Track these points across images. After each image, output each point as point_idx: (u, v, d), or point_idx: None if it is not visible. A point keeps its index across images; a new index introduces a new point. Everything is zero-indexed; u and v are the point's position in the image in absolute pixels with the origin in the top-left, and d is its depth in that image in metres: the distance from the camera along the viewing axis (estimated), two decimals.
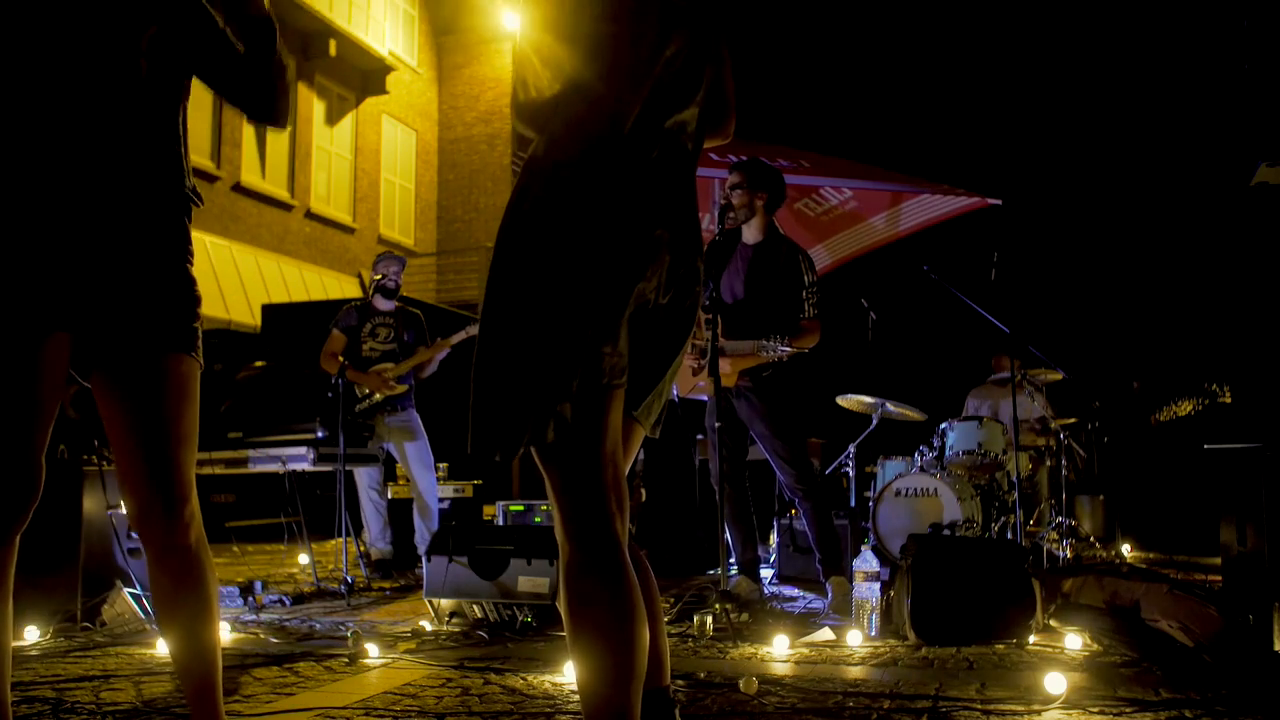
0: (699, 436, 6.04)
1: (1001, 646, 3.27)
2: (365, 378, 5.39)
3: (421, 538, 5.45)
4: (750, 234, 4.34)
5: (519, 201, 1.70)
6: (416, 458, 5.48)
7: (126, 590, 3.76)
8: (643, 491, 6.51)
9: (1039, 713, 2.41)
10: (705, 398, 4.41)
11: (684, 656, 3.15)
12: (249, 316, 12.77)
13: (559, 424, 1.60)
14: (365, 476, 5.51)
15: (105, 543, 3.79)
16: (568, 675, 2.78)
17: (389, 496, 5.73)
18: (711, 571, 5.27)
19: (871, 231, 6.72)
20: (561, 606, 1.65)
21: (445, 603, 3.76)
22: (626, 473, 1.78)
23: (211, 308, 12.98)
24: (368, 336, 5.54)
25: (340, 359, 5.18)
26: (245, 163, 14.31)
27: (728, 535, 4.34)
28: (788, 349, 4.06)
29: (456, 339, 5.51)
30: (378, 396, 5.42)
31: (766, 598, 4.46)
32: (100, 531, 3.77)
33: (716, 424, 4.28)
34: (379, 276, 5.57)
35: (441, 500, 5.80)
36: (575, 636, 1.60)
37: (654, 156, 1.73)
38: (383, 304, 5.61)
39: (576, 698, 1.83)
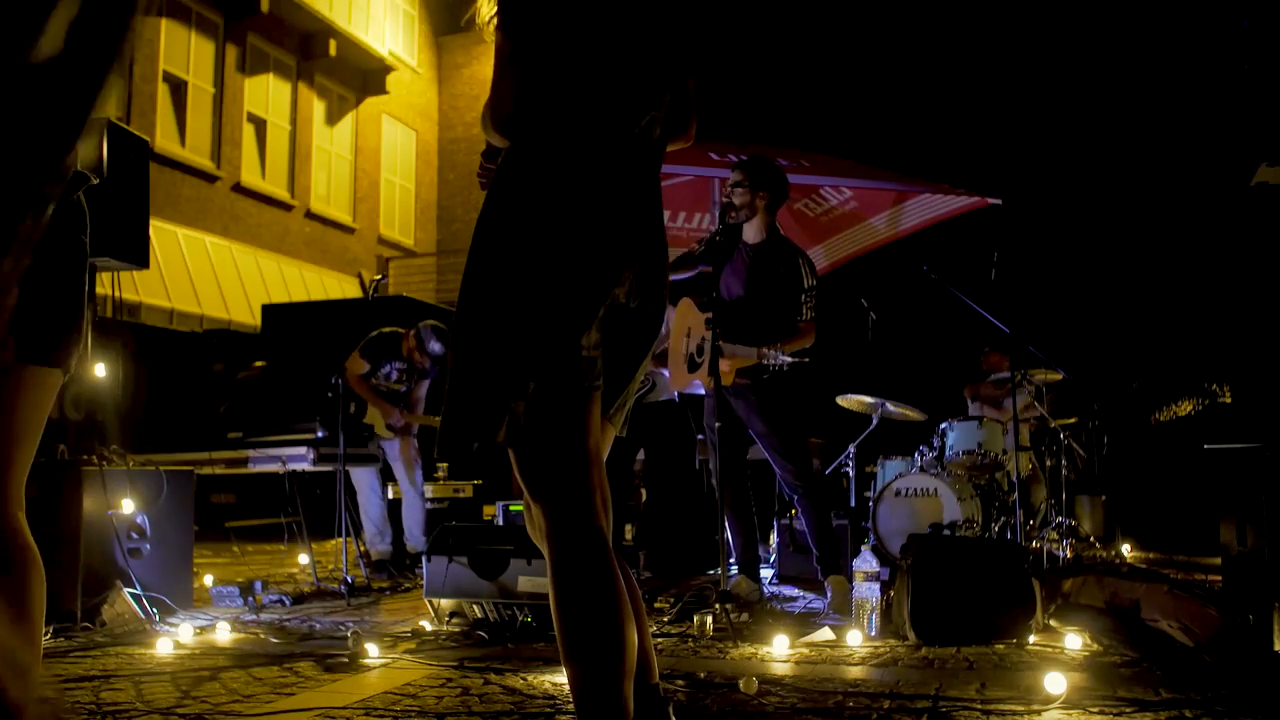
0: (699, 437, 6.04)
1: (1001, 646, 3.27)
2: (381, 405, 5.63)
3: (411, 536, 5.61)
4: (751, 233, 4.33)
5: (493, 208, 1.71)
6: (398, 457, 5.72)
7: (126, 590, 3.75)
8: (643, 492, 6.50)
9: (1039, 713, 2.41)
10: (703, 391, 4.41)
11: (684, 656, 3.15)
12: (249, 316, 12.77)
13: (537, 424, 1.62)
14: (365, 476, 5.54)
15: (105, 543, 3.78)
16: None
17: (389, 496, 5.77)
18: (711, 571, 5.27)
19: (871, 232, 6.71)
20: (551, 606, 1.67)
21: (445, 603, 3.76)
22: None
23: (211, 308, 12.99)
24: (384, 378, 5.72)
25: (364, 384, 5.55)
26: (245, 163, 14.31)
27: (728, 535, 4.34)
28: (788, 359, 4.07)
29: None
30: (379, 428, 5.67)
31: (766, 598, 4.46)
32: (100, 531, 3.76)
33: (716, 424, 4.28)
34: (431, 354, 5.65)
35: (441, 500, 5.86)
36: (565, 635, 1.62)
37: (624, 161, 1.75)
38: (416, 361, 5.77)
39: None
